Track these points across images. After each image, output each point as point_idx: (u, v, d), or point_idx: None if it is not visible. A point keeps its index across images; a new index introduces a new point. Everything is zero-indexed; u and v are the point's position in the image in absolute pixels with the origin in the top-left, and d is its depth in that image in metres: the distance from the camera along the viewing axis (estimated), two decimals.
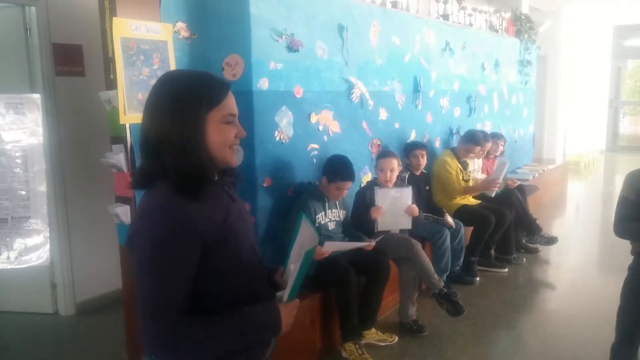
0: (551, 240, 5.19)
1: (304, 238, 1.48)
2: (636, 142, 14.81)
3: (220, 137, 1.30)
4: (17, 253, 2.14)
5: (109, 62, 2.79)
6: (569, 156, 10.36)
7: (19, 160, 2.15)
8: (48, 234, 2.18)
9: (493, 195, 4.63)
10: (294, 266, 1.42)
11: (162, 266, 1.21)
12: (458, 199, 4.69)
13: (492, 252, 4.85)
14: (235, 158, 1.37)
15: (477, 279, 4.52)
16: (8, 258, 2.14)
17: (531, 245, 5.32)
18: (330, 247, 3.06)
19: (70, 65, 3.78)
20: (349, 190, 3.51)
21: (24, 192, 2.13)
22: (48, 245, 2.18)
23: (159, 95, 1.30)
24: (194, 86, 1.29)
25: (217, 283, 1.31)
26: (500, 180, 4.63)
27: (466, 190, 4.68)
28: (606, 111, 13.42)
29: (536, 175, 6.98)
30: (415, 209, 3.61)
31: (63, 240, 3.82)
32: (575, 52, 10.66)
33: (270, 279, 1.52)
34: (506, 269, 4.79)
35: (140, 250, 1.23)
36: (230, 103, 1.33)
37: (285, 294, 1.43)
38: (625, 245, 2.50)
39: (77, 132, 3.81)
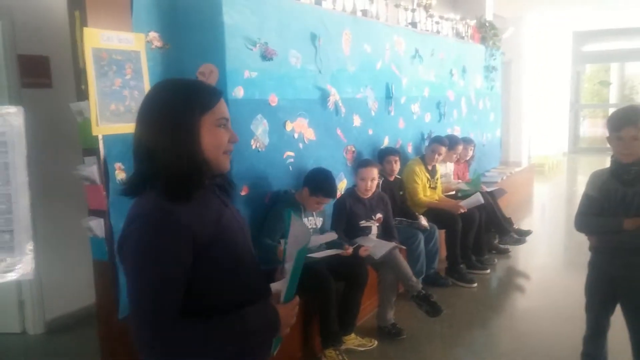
0: (520, 241, 5.32)
1: (297, 234, 1.47)
2: (596, 144, 15.31)
3: (215, 140, 1.31)
4: (0, 267, 2.08)
5: (79, 73, 2.74)
6: (534, 159, 10.64)
7: (1, 173, 2.09)
8: (32, 247, 2.13)
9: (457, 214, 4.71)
10: (288, 265, 1.41)
11: (153, 271, 1.20)
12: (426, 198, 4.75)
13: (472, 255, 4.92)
14: (229, 164, 1.38)
15: (475, 284, 4.55)
16: None
17: (502, 247, 5.44)
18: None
19: (37, 77, 3.69)
20: None
21: (5, 206, 2.08)
22: (31, 259, 2.13)
23: (152, 103, 1.31)
24: (186, 91, 1.31)
25: (214, 286, 1.30)
26: (466, 210, 4.71)
27: (430, 205, 4.74)
28: (567, 114, 13.86)
29: (504, 177, 7.14)
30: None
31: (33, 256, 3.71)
32: (537, 58, 10.99)
33: (270, 280, 1.52)
34: (488, 270, 4.88)
35: (130, 256, 1.23)
36: (222, 108, 1.34)
37: (281, 294, 1.42)
38: (588, 243, 2.62)
39: (45, 144, 3.71)
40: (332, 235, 3.47)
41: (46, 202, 3.75)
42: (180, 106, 1.27)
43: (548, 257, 5.58)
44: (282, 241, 3.16)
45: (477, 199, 4.76)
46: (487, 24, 7.23)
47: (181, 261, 1.23)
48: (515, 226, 5.54)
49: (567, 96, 13.70)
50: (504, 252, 5.42)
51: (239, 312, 1.30)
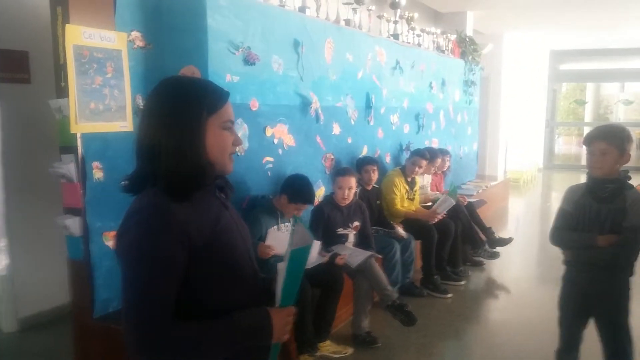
0: (494, 255, 5.40)
1: (299, 241, 1.43)
2: (570, 161, 15.66)
3: (219, 142, 1.30)
4: None
5: (60, 70, 2.72)
6: (509, 173, 10.82)
7: None
8: (5, 244, 2.10)
9: (432, 222, 4.75)
10: (280, 265, 1.36)
11: (147, 268, 1.18)
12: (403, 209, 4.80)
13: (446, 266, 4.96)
14: (232, 166, 1.36)
15: (450, 295, 4.58)
16: None
17: (476, 259, 5.50)
18: (275, 242, 3.15)
19: (14, 72, 3.64)
20: None
21: None
22: (4, 255, 2.09)
23: (159, 100, 1.29)
24: (195, 91, 1.29)
25: (209, 289, 1.28)
26: (442, 214, 4.76)
27: (407, 215, 4.78)
28: (543, 131, 14.14)
29: (480, 191, 7.24)
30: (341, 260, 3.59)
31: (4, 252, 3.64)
32: (515, 75, 11.21)
33: (268, 289, 1.47)
34: (463, 282, 4.93)
35: (124, 252, 1.21)
36: (229, 110, 1.33)
37: (277, 296, 1.38)
38: (562, 257, 2.67)
39: (20, 140, 3.66)
40: (317, 244, 3.46)
41: (21, 198, 3.69)
42: (188, 106, 1.26)
43: (522, 270, 5.67)
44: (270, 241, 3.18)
45: (449, 202, 4.80)
46: (467, 39, 7.37)
47: (175, 260, 1.21)
48: (496, 235, 5.61)
49: (543, 113, 13.99)
50: (478, 264, 5.48)
51: (230, 315, 1.28)
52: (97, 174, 2.81)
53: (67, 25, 2.60)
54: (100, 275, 2.81)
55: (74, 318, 3.01)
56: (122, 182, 1.32)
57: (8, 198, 3.63)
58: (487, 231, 5.54)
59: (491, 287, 5.10)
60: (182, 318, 1.23)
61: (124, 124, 2.89)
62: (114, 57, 2.83)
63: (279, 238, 3.30)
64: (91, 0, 2.75)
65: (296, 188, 3.35)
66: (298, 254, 1.33)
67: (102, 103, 2.78)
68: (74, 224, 2.79)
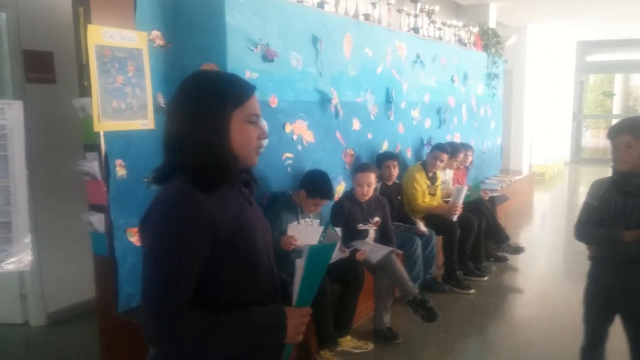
0: (518, 250, 5.33)
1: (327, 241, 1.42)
2: (598, 154, 15.31)
3: (244, 136, 1.31)
4: None
5: (82, 70, 2.77)
6: (534, 167, 10.65)
7: (1, 166, 2.13)
8: (29, 240, 2.16)
9: (454, 219, 4.71)
10: (299, 261, 1.34)
11: (169, 254, 1.19)
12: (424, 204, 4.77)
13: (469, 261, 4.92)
14: (257, 159, 1.37)
15: (472, 291, 4.54)
16: None
17: (500, 254, 5.44)
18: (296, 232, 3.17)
19: (41, 72, 3.72)
20: None
21: (3, 199, 2.11)
22: (29, 251, 2.16)
23: (185, 93, 1.30)
24: (221, 84, 1.31)
25: (226, 282, 1.29)
26: (460, 205, 4.71)
27: (428, 210, 4.74)
28: (570, 124, 13.87)
29: (504, 185, 7.15)
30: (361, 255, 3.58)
31: (33, 249, 3.70)
32: (540, 67, 11.01)
33: (286, 290, 1.47)
34: (486, 277, 4.87)
35: (149, 238, 1.22)
36: (255, 104, 1.34)
37: (294, 295, 1.37)
38: (587, 253, 2.62)
39: (47, 139, 3.74)
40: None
41: (48, 196, 3.78)
42: (213, 100, 1.27)
43: (547, 266, 5.58)
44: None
45: (463, 190, 4.73)
46: (490, 32, 7.26)
47: (198, 249, 1.21)
48: (513, 241, 5.49)
49: (570, 105, 13.71)
50: (502, 260, 5.42)
51: (247, 310, 1.27)
52: (120, 171, 2.86)
53: (88, 25, 2.64)
54: (124, 270, 2.87)
55: (98, 312, 3.08)
56: (149, 176, 1.33)
57: (36, 195, 3.71)
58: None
59: (515, 283, 5.04)
60: (195, 307, 1.23)
61: (146, 122, 2.94)
62: (134, 56, 2.87)
63: (299, 231, 3.32)
64: (112, 1, 2.80)
65: (314, 183, 3.36)
66: (318, 251, 1.31)
67: (123, 102, 2.82)
68: (98, 221, 2.85)
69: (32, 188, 3.63)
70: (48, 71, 3.77)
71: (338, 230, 3.40)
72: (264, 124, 3.35)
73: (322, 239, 1.39)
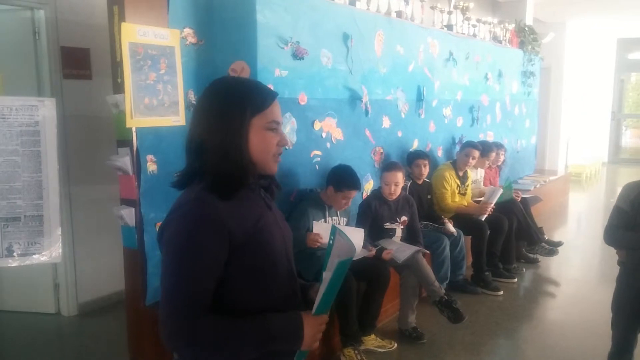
0: (552, 252, 5.22)
1: (339, 252, 1.40)
2: (638, 155, 14.80)
3: (263, 143, 1.31)
4: (30, 250, 2.20)
5: (116, 66, 2.83)
6: (571, 167, 10.38)
7: (33, 161, 2.21)
8: (60, 232, 2.24)
9: (483, 219, 4.64)
10: (326, 274, 1.34)
11: (187, 260, 1.21)
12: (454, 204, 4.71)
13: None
14: (276, 167, 1.37)
15: (501, 292, 4.48)
16: (21, 255, 2.19)
17: (531, 256, 5.33)
18: (321, 232, 3.16)
19: (77, 69, 3.82)
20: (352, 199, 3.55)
21: (36, 193, 2.19)
22: (59, 243, 2.24)
23: (207, 99, 1.33)
24: (241, 90, 1.32)
25: (243, 288, 1.30)
26: (492, 205, 4.65)
27: (458, 210, 4.68)
28: (609, 123, 13.46)
29: (538, 186, 7.00)
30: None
31: (67, 241, 3.84)
32: (578, 64, 10.71)
33: (305, 295, 1.48)
34: (515, 279, 4.79)
35: (167, 244, 1.25)
36: (275, 111, 1.34)
37: (315, 304, 1.36)
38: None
39: (82, 134, 3.85)
40: (360, 233, 3.44)
41: (83, 189, 3.88)
42: (233, 106, 1.28)
43: (580, 269, 5.44)
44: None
45: (497, 191, 4.67)
46: (526, 29, 7.10)
47: (215, 255, 1.23)
48: (547, 237, 5.42)
49: (608, 105, 13.30)
50: (534, 262, 5.31)
51: (263, 316, 1.28)
52: (151, 166, 2.91)
53: (122, 23, 2.69)
54: (152, 264, 2.93)
55: (127, 304, 3.16)
56: (174, 177, 1.36)
57: (71, 188, 3.84)
58: (538, 231, 5.35)
59: (546, 286, 4.93)
60: (213, 312, 1.24)
61: (177, 118, 2.98)
62: (167, 54, 2.92)
63: (325, 230, 3.31)
64: None
65: (340, 176, 3.36)
66: (343, 264, 1.31)
67: (156, 98, 2.87)
68: (129, 215, 2.91)
69: (68, 181, 3.79)
70: (84, 67, 3.87)
71: (357, 231, 3.40)
72: (293, 121, 3.37)
73: (331, 241, 1.39)
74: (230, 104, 1.29)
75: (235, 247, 1.25)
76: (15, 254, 2.20)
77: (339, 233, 1.40)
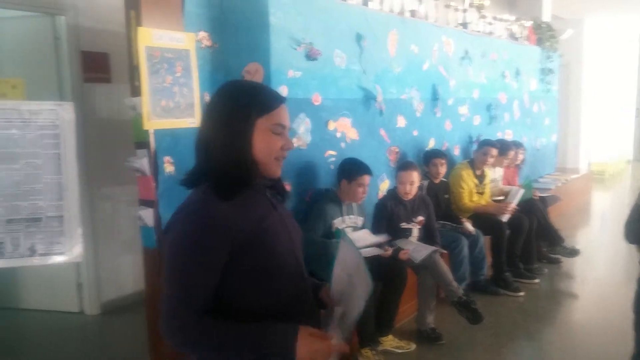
0: (573, 252, 5.14)
1: (345, 257, 1.41)
2: None
3: (266, 145, 1.33)
4: (52, 250, 2.26)
5: (134, 70, 2.88)
6: (593, 165, 10.20)
7: (53, 163, 2.27)
8: (80, 232, 2.30)
9: (505, 219, 4.60)
10: (340, 309, 1.37)
11: (188, 260, 1.24)
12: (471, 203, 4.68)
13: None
14: (279, 170, 1.39)
15: (522, 293, 4.42)
16: (43, 254, 2.26)
17: (553, 256, 5.26)
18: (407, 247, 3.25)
19: (97, 73, 3.90)
20: (367, 197, 3.56)
21: (56, 194, 2.25)
22: (80, 243, 2.30)
23: (215, 100, 1.37)
24: (247, 93, 1.36)
25: (247, 289, 1.30)
26: (513, 206, 4.60)
27: (476, 209, 4.64)
28: (633, 120, 13.20)
29: (558, 184, 6.90)
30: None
31: (89, 241, 3.90)
32: (599, 61, 10.53)
33: (316, 295, 1.49)
34: (537, 280, 4.73)
35: (169, 244, 1.28)
36: (282, 114, 1.36)
37: (337, 337, 1.35)
38: None
39: (102, 136, 3.92)
40: (380, 238, 3.46)
41: (104, 190, 3.96)
42: (238, 107, 1.31)
43: (604, 269, 5.35)
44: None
45: (519, 192, 4.62)
46: (544, 25, 7.02)
47: (215, 257, 1.25)
48: (566, 243, 5.30)
49: (633, 101, 13.05)
50: (555, 262, 5.23)
51: (260, 323, 1.27)
52: (168, 167, 2.95)
53: (139, 28, 2.74)
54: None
55: (147, 303, 3.20)
56: (183, 177, 1.39)
57: (92, 189, 3.91)
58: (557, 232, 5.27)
59: (568, 287, 4.86)
60: (216, 314, 1.27)
61: (193, 120, 3.03)
62: (182, 57, 2.96)
63: (408, 243, 3.56)
64: (161, 3, 2.89)
65: (348, 166, 3.40)
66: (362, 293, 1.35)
67: (172, 101, 2.92)
68: (147, 215, 2.95)
69: (89, 182, 3.87)
70: (104, 71, 3.95)
71: (368, 234, 3.41)
72: (307, 121, 3.39)
73: (339, 251, 1.42)
74: (236, 105, 1.32)
75: (237, 247, 1.26)
76: (37, 253, 2.26)
77: (343, 239, 1.42)
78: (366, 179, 3.38)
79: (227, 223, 1.25)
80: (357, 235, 3.32)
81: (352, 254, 1.43)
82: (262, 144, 1.32)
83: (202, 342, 1.24)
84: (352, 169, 3.37)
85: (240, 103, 1.32)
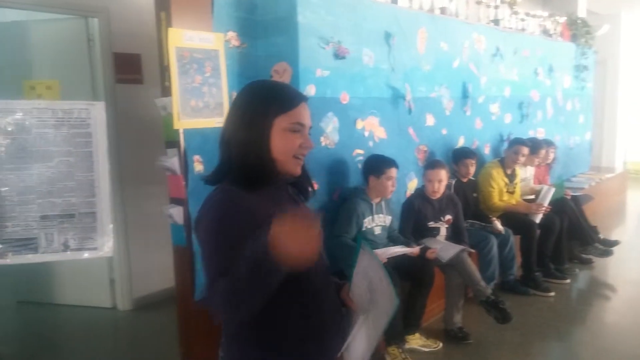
0: (606, 253, 5.02)
1: (366, 266, 1.42)
2: None
3: (284, 144, 1.36)
4: (84, 245, 2.33)
5: (164, 71, 2.93)
6: (629, 164, 9.92)
7: (86, 161, 2.34)
8: (111, 228, 2.37)
9: (537, 220, 4.53)
10: (362, 319, 1.41)
11: (220, 244, 1.28)
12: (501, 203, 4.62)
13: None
14: (298, 168, 1.41)
15: (552, 293, 4.37)
16: (76, 249, 2.33)
17: (585, 256, 5.15)
18: (383, 254, 3.18)
19: (129, 74, 3.99)
20: (396, 196, 3.55)
21: (89, 191, 2.32)
22: (111, 238, 2.36)
23: (237, 100, 1.42)
24: (267, 91, 1.40)
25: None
26: (545, 206, 4.53)
27: (507, 208, 4.58)
28: None
29: (592, 184, 6.74)
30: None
31: (121, 239, 4.03)
32: (637, 57, 10.21)
33: (338, 290, 1.52)
34: (568, 280, 4.65)
35: (202, 234, 1.33)
36: (302, 113, 1.38)
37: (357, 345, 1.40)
38: None
39: (135, 136, 4.01)
40: (402, 249, 3.44)
41: (136, 188, 4.04)
42: (257, 105, 1.35)
43: (637, 270, 5.19)
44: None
45: (550, 191, 4.55)
46: (578, 21, 6.85)
47: (241, 242, 1.26)
48: (602, 236, 5.22)
49: None
50: (587, 262, 5.13)
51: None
52: (198, 166, 3.00)
53: (169, 29, 2.79)
54: (200, 260, 3.01)
55: (178, 299, 3.26)
56: (207, 175, 1.43)
57: (125, 188, 4.01)
58: (592, 230, 5.16)
59: (600, 288, 4.75)
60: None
61: (221, 119, 3.03)
62: (212, 57, 3.00)
63: (436, 243, 3.57)
64: (191, 4, 2.94)
65: (374, 162, 3.42)
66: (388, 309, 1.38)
67: (201, 100, 2.96)
68: (177, 213, 3.01)
69: (121, 181, 3.96)
70: (136, 72, 4.03)
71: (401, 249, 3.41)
72: (335, 120, 3.39)
73: (356, 256, 1.44)
74: (255, 104, 1.36)
75: None
76: (70, 248, 2.33)
77: (363, 247, 1.41)
78: (393, 171, 3.38)
79: (253, 209, 1.29)
80: (392, 251, 3.32)
81: (374, 265, 1.41)
82: (280, 143, 1.35)
83: (224, 300, 1.24)
84: (378, 164, 3.38)
85: (260, 102, 1.36)
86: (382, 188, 3.37)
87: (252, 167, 1.33)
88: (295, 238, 1.11)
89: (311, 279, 1.39)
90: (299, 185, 1.49)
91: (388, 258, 3.22)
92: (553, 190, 4.61)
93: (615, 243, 5.12)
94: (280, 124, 1.35)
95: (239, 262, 1.20)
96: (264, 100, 1.36)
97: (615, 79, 9.60)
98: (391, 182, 3.37)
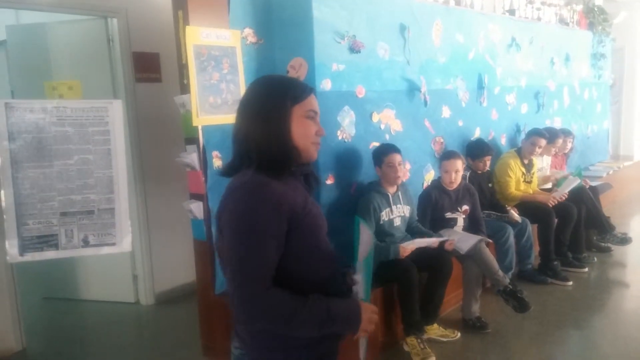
0: (625, 240, 4.99)
1: (365, 240, 1.54)
2: None
3: (303, 129, 1.42)
4: (103, 241, 2.40)
5: (182, 68, 2.99)
6: None
7: (104, 159, 2.40)
8: (129, 224, 2.43)
9: (551, 205, 4.52)
10: (358, 264, 1.51)
11: (249, 237, 1.30)
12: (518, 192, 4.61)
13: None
14: (316, 154, 1.48)
15: (570, 282, 4.36)
16: (95, 245, 2.40)
17: (603, 245, 5.13)
18: (411, 246, 3.24)
19: (148, 72, 4.05)
20: (413, 189, 3.55)
21: (107, 187, 2.38)
22: (130, 234, 2.42)
23: (251, 94, 1.46)
24: (281, 84, 1.46)
25: (296, 272, 1.39)
26: (565, 195, 4.52)
27: (524, 198, 4.57)
28: None
29: (610, 172, 6.67)
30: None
31: (143, 234, 4.11)
32: None
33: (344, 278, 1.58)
34: (586, 269, 4.64)
35: (228, 224, 1.34)
36: (313, 102, 1.46)
37: (359, 290, 1.50)
38: None
39: (155, 133, 4.08)
40: (428, 240, 3.46)
41: (157, 184, 4.11)
42: (274, 97, 1.40)
43: None
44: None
45: (575, 182, 4.53)
46: (595, 9, 6.77)
47: (276, 229, 1.32)
48: (618, 231, 5.14)
49: None
50: (605, 251, 5.11)
51: (326, 297, 1.36)
52: (217, 162, 3.06)
53: (187, 27, 2.84)
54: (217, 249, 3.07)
55: (199, 293, 3.34)
56: (222, 168, 1.48)
57: (145, 184, 4.08)
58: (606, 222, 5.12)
59: (619, 276, 4.73)
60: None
61: None
62: (229, 54, 3.05)
63: (454, 233, 3.59)
64: (208, 2, 2.98)
65: (375, 152, 3.46)
66: (368, 260, 1.48)
67: (219, 97, 3.01)
68: (197, 208, 3.08)
69: (143, 178, 4.04)
70: (155, 71, 4.09)
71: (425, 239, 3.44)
72: (351, 114, 3.42)
73: (356, 233, 1.52)
74: (272, 96, 1.41)
75: (291, 221, 1.34)
76: (90, 244, 2.40)
77: (362, 225, 1.53)
78: (393, 157, 3.36)
79: (282, 199, 1.32)
80: (418, 242, 3.34)
81: (368, 237, 1.56)
82: (300, 129, 1.41)
83: (277, 312, 1.30)
84: (377, 154, 3.42)
85: (276, 94, 1.41)
86: (389, 177, 3.39)
87: (277, 154, 1.38)
88: (372, 322, 1.44)
89: (323, 266, 1.46)
90: (309, 177, 1.53)
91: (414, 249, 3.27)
92: (577, 181, 4.59)
93: (627, 241, 5.01)
94: (297, 111, 1.41)
95: (318, 300, 1.35)
96: (279, 92, 1.42)
97: (633, 66, 9.44)
98: (394, 168, 3.36)
